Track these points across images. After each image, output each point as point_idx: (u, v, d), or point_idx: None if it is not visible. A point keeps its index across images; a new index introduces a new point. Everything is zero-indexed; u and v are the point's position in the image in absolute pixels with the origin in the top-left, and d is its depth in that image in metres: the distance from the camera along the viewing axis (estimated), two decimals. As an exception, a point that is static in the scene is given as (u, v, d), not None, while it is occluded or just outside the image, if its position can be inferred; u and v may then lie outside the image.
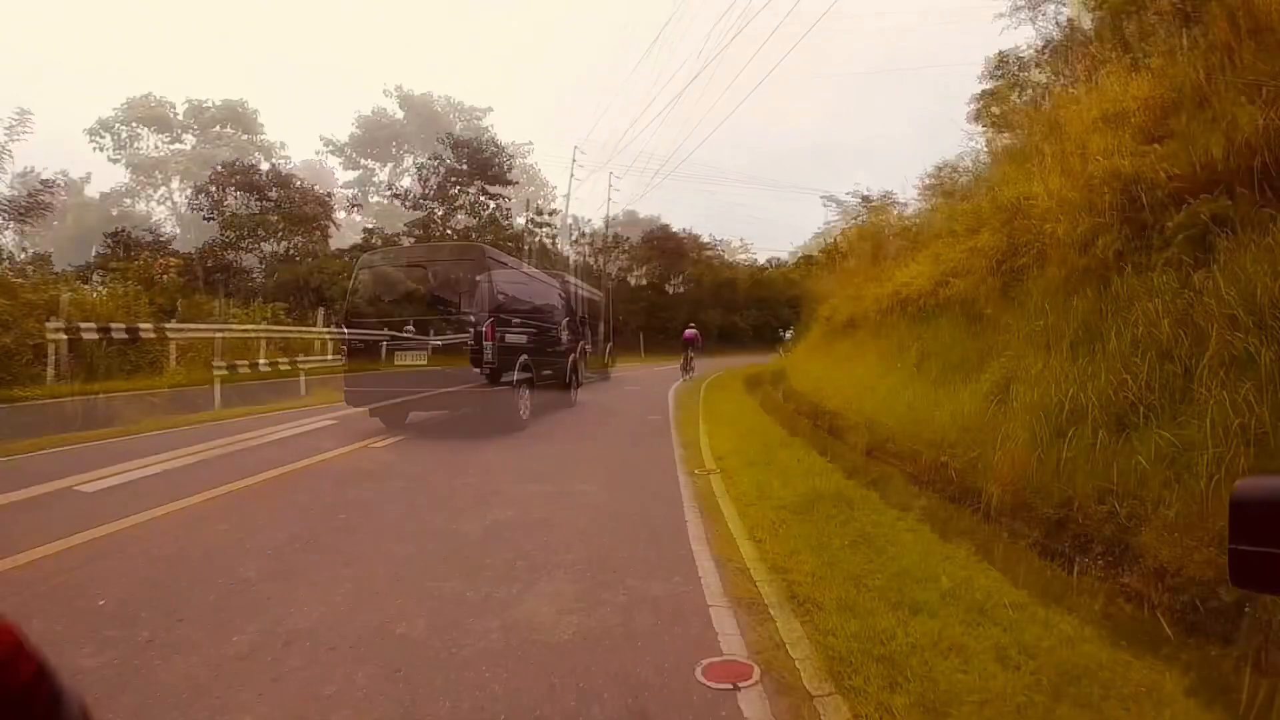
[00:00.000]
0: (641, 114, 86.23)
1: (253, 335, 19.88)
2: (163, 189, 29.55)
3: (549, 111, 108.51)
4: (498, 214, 38.58)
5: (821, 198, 66.07)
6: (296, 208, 29.90)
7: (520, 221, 41.17)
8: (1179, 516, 4.11)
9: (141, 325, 16.26)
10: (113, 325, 15.18)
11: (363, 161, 36.34)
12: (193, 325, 18.21)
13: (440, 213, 36.06)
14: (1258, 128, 5.37)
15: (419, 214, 35.69)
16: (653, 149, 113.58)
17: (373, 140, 35.67)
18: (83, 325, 14.57)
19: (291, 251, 27.78)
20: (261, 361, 17.16)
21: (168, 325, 17.22)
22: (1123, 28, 11.88)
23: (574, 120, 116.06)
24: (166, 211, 30.17)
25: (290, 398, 16.01)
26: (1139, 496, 4.53)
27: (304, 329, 22.24)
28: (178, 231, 30.06)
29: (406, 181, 37.66)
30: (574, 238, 48.35)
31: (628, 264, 51.49)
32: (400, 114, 36.13)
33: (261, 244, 27.91)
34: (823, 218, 77.32)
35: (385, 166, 36.89)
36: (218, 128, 29.37)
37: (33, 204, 33.46)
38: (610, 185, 41.30)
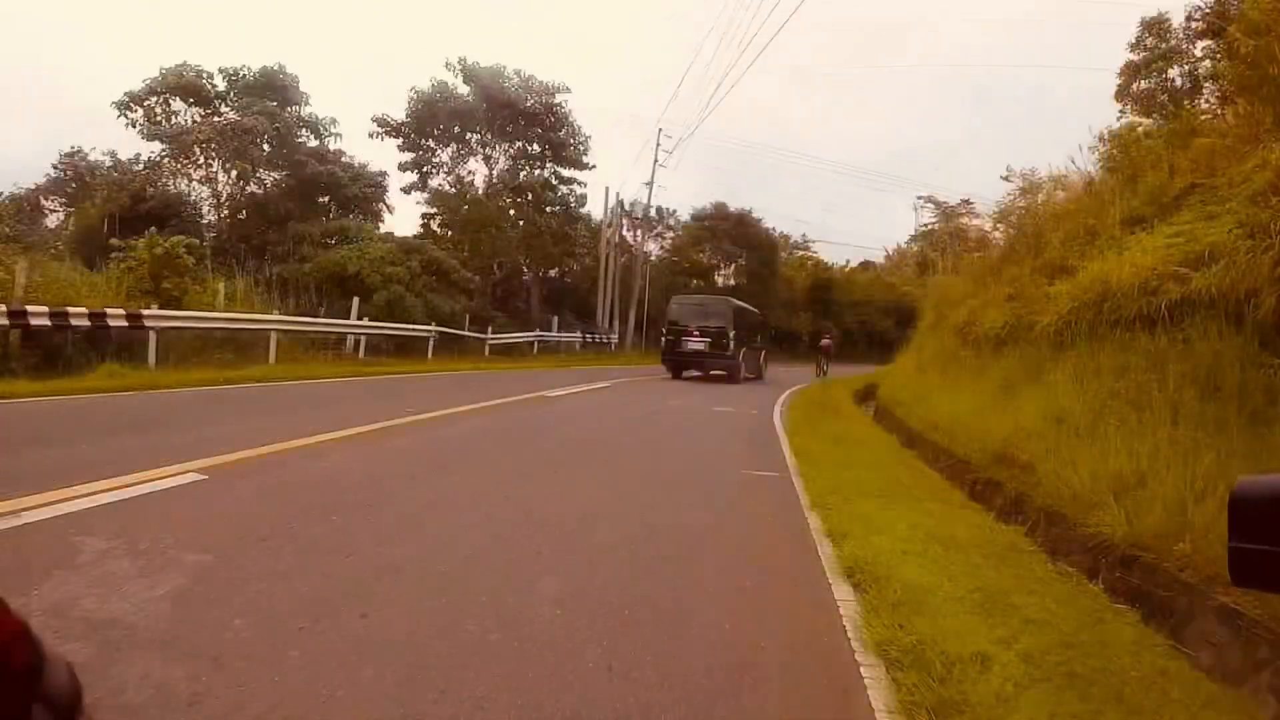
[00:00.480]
0: (714, 94, 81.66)
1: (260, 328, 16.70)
2: (203, 169, 26.56)
3: (624, 94, 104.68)
4: (571, 199, 34.86)
5: (917, 198, 61.49)
6: (344, 187, 26.76)
7: (595, 211, 37.47)
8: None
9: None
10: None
11: (423, 142, 32.84)
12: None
13: (508, 202, 32.51)
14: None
15: (486, 201, 32.24)
16: (739, 136, 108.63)
17: (433, 118, 32.13)
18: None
19: (330, 237, 24.46)
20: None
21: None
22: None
23: (647, 105, 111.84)
24: (208, 192, 27.22)
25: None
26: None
27: (328, 322, 18.92)
28: (214, 217, 27.02)
29: (472, 164, 34.14)
30: (655, 230, 44.65)
31: (714, 260, 47.23)
32: (464, 89, 32.54)
33: (298, 225, 24.71)
34: (912, 222, 73.17)
35: (447, 147, 33.35)
36: (255, 99, 26.19)
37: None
38: (658, 145, 36.76)
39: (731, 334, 22.86)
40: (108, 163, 30.56)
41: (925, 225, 64.14)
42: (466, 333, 24.23)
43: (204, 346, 16.22)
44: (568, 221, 35.08)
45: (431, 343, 21.50)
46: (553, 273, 38.29)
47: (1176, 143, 13.75)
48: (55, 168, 30.78)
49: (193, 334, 15.93)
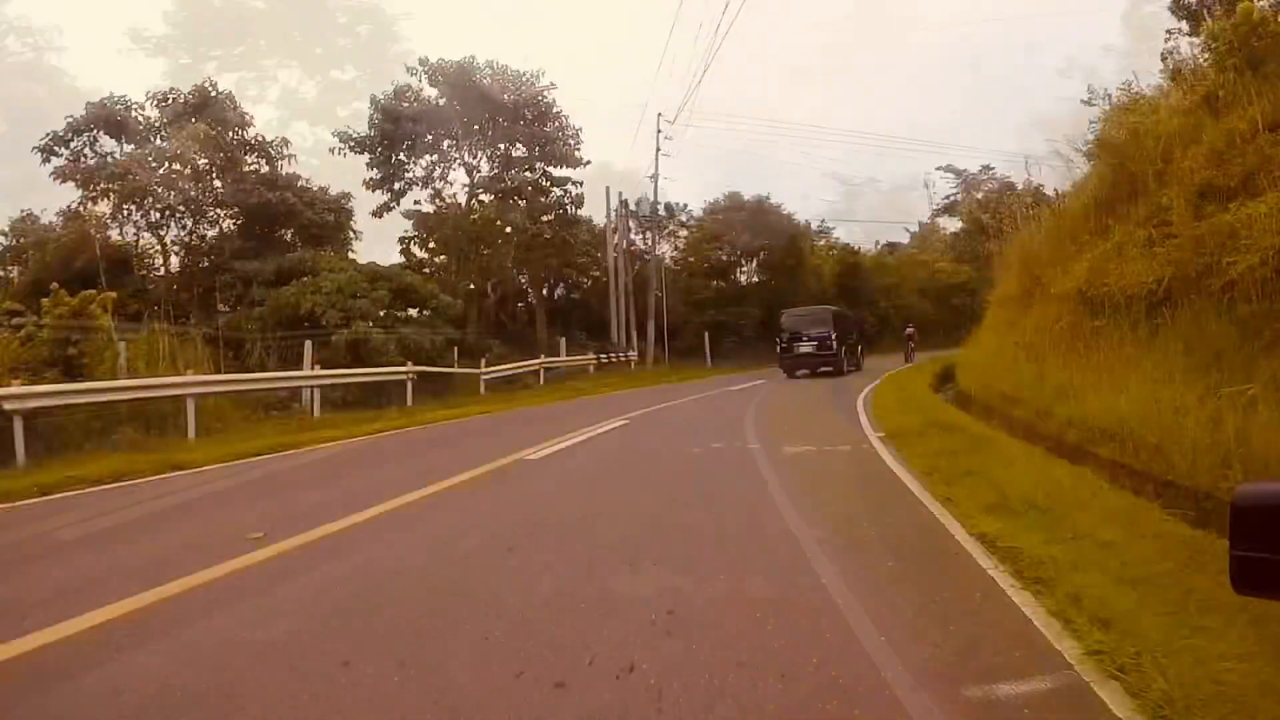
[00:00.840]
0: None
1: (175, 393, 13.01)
2: (144, 216, 22.98)
3: (626, 92, 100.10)
4: (566, 200, 30.66)
5: (936, 169, 58.60)
6: (298, 215, 22.90)
7: (596, 216, 33.66)
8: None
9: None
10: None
11: (393, 157, 28.84)
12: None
13: (495, 211, 28.52)
14: None
15: (471, 213, 28.38)
16: (741, 134, 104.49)
17: (401, 128, 28.11)
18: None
19: (289, 274, 20.53)
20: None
21: None
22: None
23: (652, 103, 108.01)
24: (155, 239, 23.65)
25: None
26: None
27: (266, 376, 15.23)
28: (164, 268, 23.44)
29: (452, 175, 30.11)
30: (667, 229, 40.58)
31: (734, 256, 42.98)
32: (432, 91, 28.63)
33: (246, 264, 20.98)
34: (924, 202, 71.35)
35: (420, 159, 29.32)
36: (194, 121, 22.34)
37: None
38: (659, 132, 33.95)
39: (834, 336, 27.06)
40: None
41: (948, 197, 61.32)
42: (455, 369, 20.36)
43: (105, 426, 12.58)
44: (565, 226, 31.24)
45: (410, 386, 17.61)
46: (559, 290, 34.63)
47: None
48: (4, 235, 27.58)
49: (86, 411, 12.32)
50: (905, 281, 52.85)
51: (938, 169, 62.27)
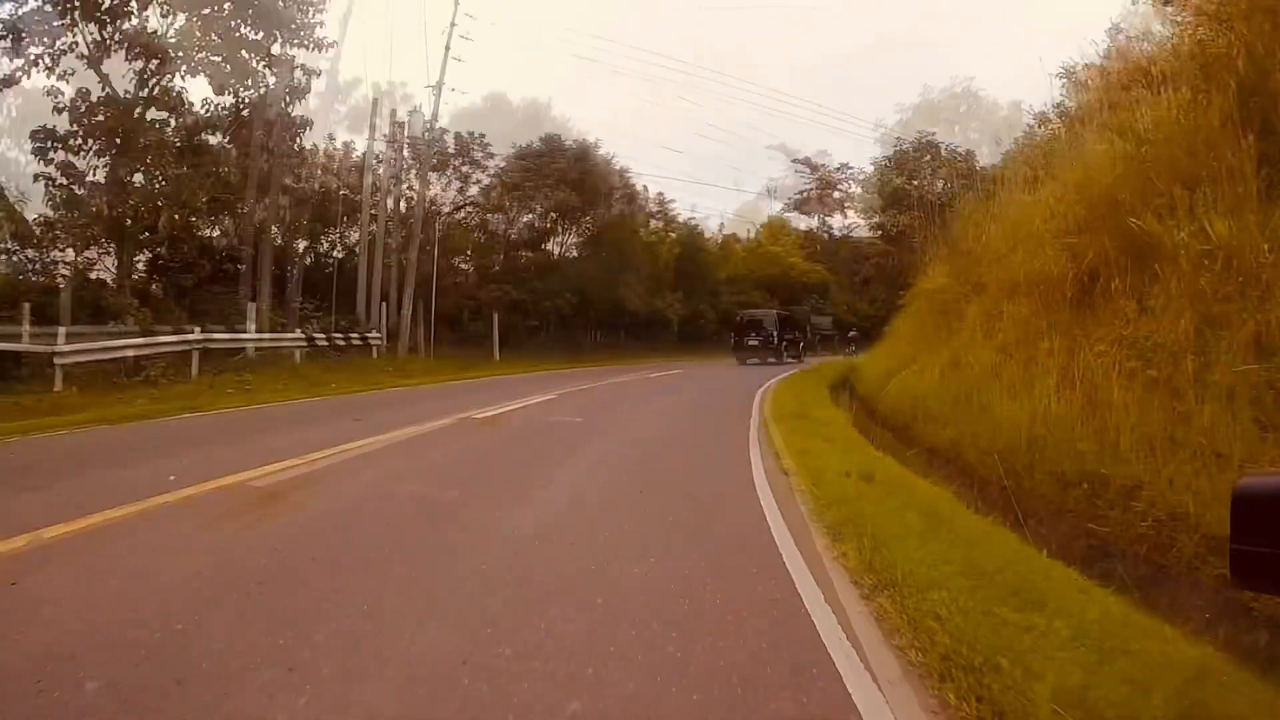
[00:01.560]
0: None
1: None
2: None
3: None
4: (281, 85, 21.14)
5: (793, 161, 55.15)
6: None
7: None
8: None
9: None
10: None
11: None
12: None
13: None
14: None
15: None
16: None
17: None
18: None
19: None
20: None
21: None
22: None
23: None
24: None
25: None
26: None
27: None
28: None
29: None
30: (454, 166, 31.40)
31: (505, 200, 34.56)
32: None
33: None
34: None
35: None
36: None
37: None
38: (453, 25, 26.10)
39: (775, 333, 33.57)
40: None
41: (802, 193, 59.64)
42: (24, 346, 12.61)
43: None
44: (273, 133, 21.57)
45: None
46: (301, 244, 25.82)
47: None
48: None
49: None
50: (754, 273, 49.11)
51: (794, 161, 59.47)
